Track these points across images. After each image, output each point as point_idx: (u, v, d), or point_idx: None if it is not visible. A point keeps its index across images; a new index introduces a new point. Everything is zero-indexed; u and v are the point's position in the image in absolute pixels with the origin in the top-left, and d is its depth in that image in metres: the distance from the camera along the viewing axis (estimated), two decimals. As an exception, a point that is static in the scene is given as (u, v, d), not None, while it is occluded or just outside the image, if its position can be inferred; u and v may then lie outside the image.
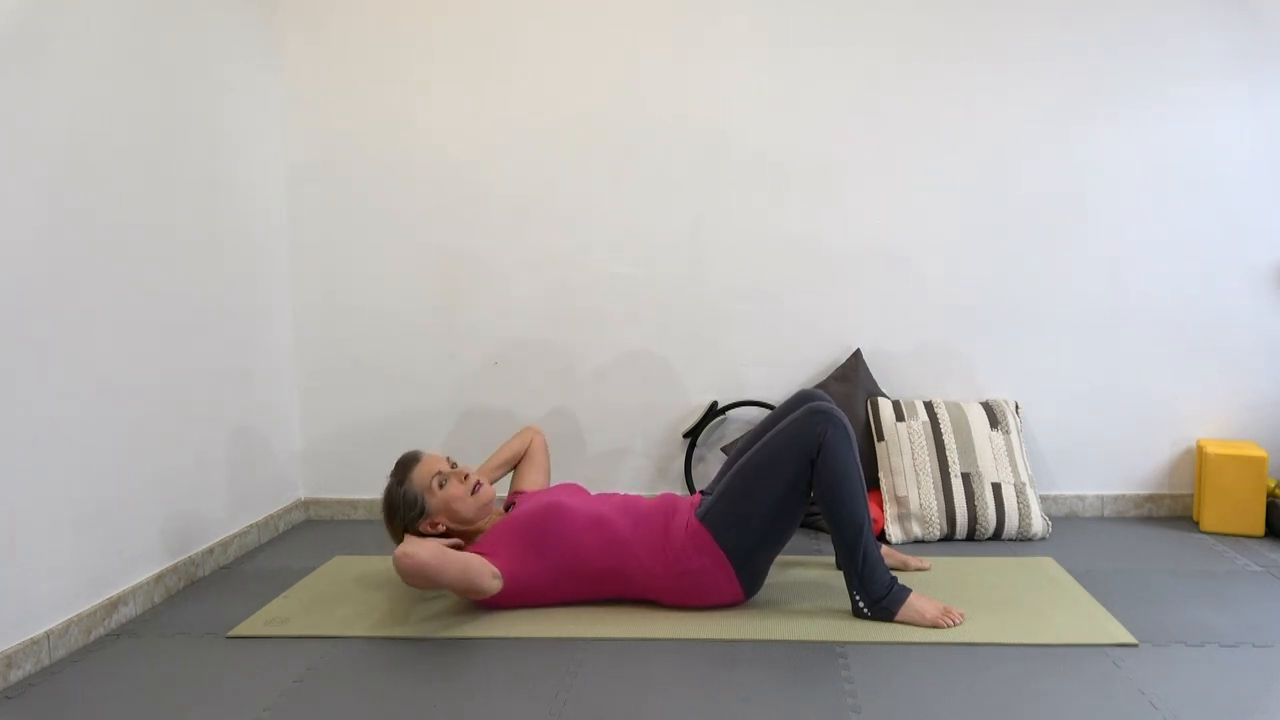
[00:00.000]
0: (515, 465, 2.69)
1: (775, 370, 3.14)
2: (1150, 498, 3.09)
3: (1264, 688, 1.86)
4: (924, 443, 2.88)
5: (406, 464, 2.35)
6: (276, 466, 3.10)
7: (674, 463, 3.19)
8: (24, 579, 2.02)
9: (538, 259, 3.15)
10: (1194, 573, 2.53)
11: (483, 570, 2.18)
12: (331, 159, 3.17)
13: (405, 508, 2.30)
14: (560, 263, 3.15)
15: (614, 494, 2.47)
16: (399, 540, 2.33)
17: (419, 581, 2.11)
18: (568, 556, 2.26)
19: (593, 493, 2.53)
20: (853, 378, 3.03)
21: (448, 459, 2.37)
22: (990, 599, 2.33)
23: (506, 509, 2.48)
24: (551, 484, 2.76)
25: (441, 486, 2.31)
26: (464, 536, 2.34)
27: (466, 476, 2.34)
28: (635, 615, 2.26)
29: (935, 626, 2.15)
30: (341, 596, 2.45)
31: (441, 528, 2.32)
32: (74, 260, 2.17)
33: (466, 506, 2.31)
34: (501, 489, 2.92)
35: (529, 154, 3.13)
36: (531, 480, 2.64)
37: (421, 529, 2.31)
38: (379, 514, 3.21)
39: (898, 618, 2.17)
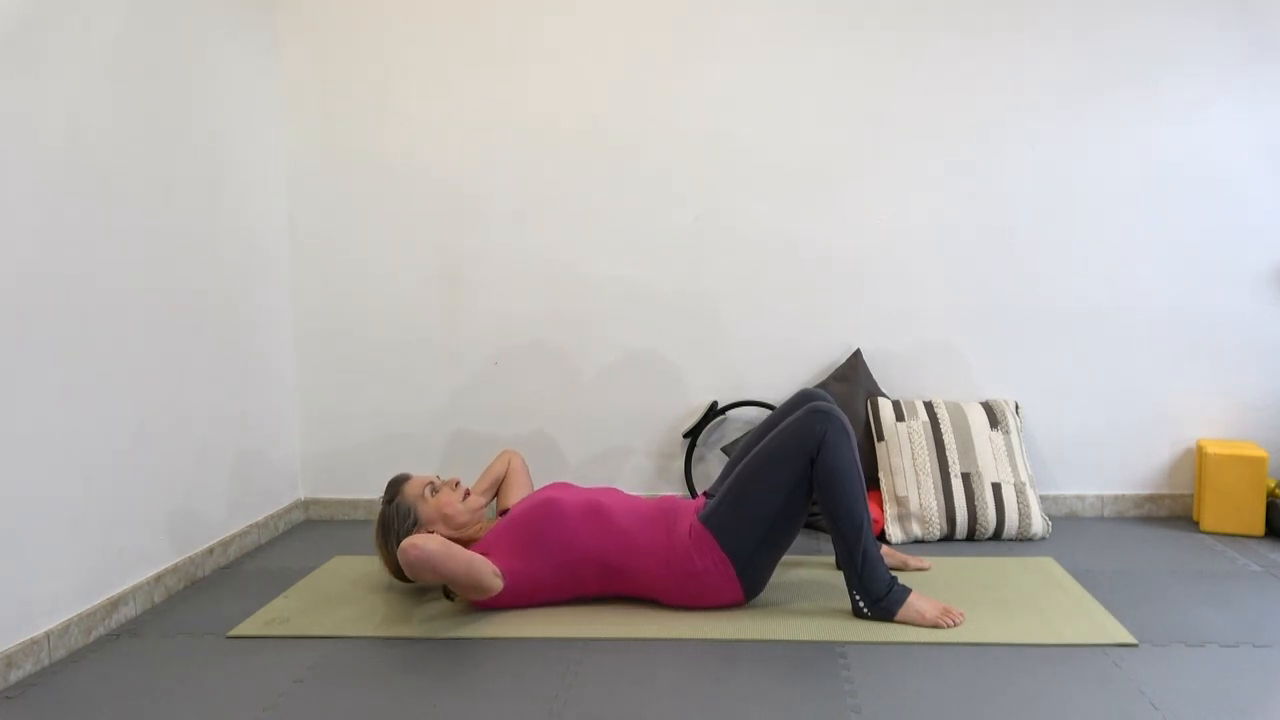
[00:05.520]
0: (499, 487, 2.73)
1: (775, 370, 3.14)
2: (1150, 498, 3.09)
3: (1264, 688, 1.86)
4: (924, 443, 2.88)
5: (396, 483, 2.40)
6: (276, 466, 3.10)
7: (674, 463, 3.19)
8: (24, 579, 2.02)
9: (538, 259, 3.16)
10: (1194, 573, 2.53)
11: (485, 567, 2.19)
12: (331, 159, 3.17)
13: (399, 520, 2.33)
14: (560, 263, 3.15)
15: (610, 489, 2.47)
16: (389, 563, 2.37)
17: (424, 574, 2.13)
18: (566, 549, 2.27)
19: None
20: (853, 378, 3.03)
21: (436, 476, 2.44)
22: (990, 599, 2.33)
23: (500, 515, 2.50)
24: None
25: (433, 494, 2.36)
26: (458, 543, 2.35)
27: (458, 484, 2.40)
28: (635, 615, 2.27)
29: (935, 626, 2.15)
30: (341, 596, 2.45)
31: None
32: (74, 260, 2.17)
33: (459, 511, 2.35)
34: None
35: (529, 154, 3.13)
36: (516, 499, 2.68)
37: None
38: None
39: (898, 618, 2.17)
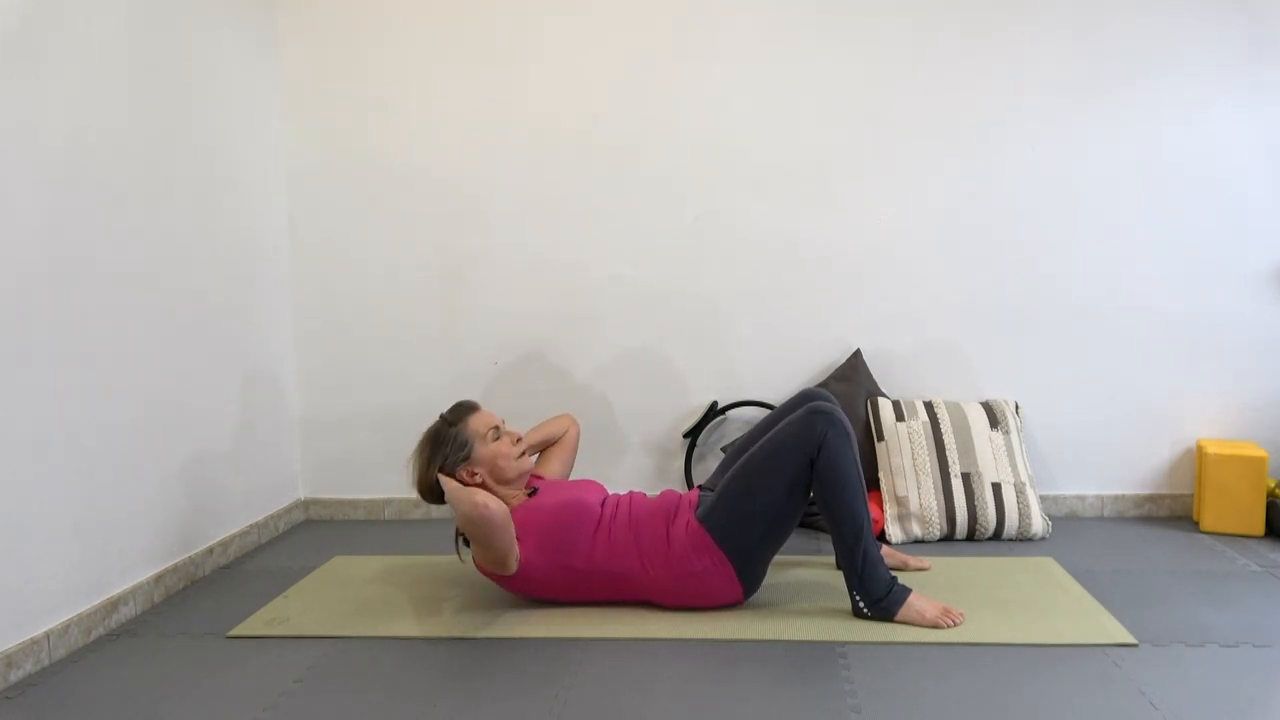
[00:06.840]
0: (546, 448, 2.66)
1: (775, 370, 3.14)
2: (1150, 498, 3.09)
3: (1264, 688, 1.86)
4: (924, 443, 2.88)
5: (465, 409, 2.37)
6: (276, 466, 3.10)
7: (674, 463, 3.19)
8: (24, 579, 2.02)
9: (538, 259, 3.16)
10: (1194, 573, 2.53)
11: (516, 553, 2.20)
12: (331, 159, 3.17)
13: (453, 448, 2.30)
14: (560, 263, 3.15)
15: (623, 494, 2.46)
16: (422, 478, 2.32)
17: (471, 528, 2.12)
18: (581, 559, 2.26)
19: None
20: (853, 378, 3.03)
21: (503, 421, 2.40)
22: (990, 599, 2.33)
23: (529, 493, 2.47)
24: (572, 478, 2.73)
25: (494, 439, 2.33)
26: (494, 495, 2.33)
27: (519, 440, 2.38)
28: (635, 615, 2.27)
29: (935, 626, 2.15)
30: (341, 596, 2.45)
31: (479, 480, 2.32)
32: (74, 260, 2.17)
33: (510, 467, 2.34)
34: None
35: (529, 154, 3.13)
36: (556, 469, 2.62)
37: (459, 475, 2.31)
38: (379, 514, 3.25)
39: (898, 618, 2.17)
